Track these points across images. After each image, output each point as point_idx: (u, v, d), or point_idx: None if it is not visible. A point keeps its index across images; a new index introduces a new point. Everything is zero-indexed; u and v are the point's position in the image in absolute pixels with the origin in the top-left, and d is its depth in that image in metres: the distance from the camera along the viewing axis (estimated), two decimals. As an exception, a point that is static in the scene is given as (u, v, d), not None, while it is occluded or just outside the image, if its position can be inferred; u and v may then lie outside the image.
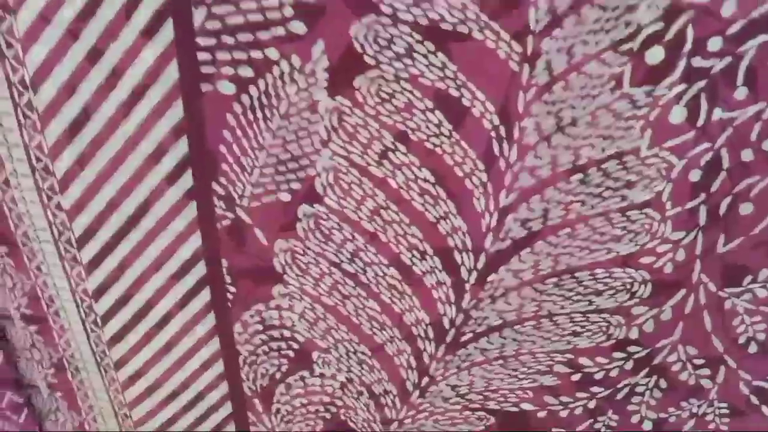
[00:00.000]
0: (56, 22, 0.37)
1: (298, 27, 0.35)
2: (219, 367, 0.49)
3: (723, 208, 0.39)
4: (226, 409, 0.51)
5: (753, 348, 0.44)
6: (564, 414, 0.48)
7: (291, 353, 0.48)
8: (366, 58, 0.36)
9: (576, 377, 0.46)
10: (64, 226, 0.44)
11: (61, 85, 0.39)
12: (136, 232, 0.44)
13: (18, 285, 0.49)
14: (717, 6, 0.33)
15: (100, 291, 0.47)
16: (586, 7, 0.34)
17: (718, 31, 0.34)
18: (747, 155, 0.37)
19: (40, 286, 0.48)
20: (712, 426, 0.47)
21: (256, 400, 0.51)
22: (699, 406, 0.47)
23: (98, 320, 0.48)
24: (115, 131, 0.40)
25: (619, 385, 0.46)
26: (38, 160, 0.42)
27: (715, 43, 0.34)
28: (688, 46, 0.34)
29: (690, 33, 0.34)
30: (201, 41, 0.36)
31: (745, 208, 0.39)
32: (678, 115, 0.36)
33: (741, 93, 0.35)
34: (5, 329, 0.51)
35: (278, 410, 0.51)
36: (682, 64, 0.35)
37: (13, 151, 0.42)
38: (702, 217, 0.39)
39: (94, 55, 0.37)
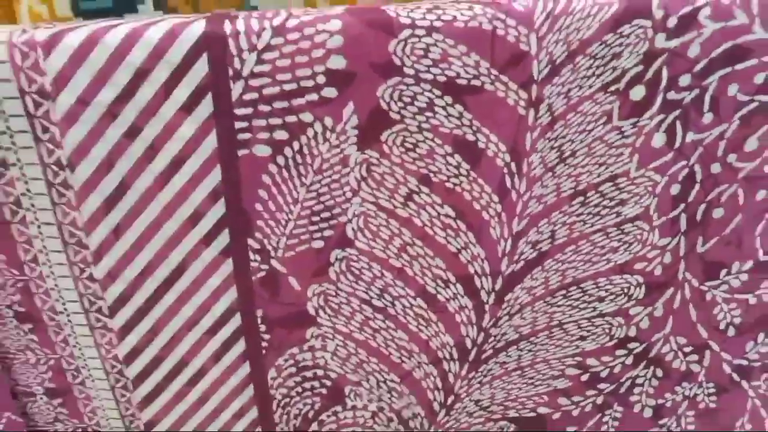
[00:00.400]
0: (95, 105, 0.39)
1: (330, 92, 0.39)
2: (252, 414, 0.51)
3: (699, 214, 0.45)
4: (259, 454, 0.53)
5: (731, 332, 0.50)
6: (576, 413, 0.53)
7: (324, 390, 0.50)
8: (392, 114, 0.40)
9: (585, 377, 0.51)
10: (95, 296, 0.45)
11: (98, 163, 0.40)
12: (171, 293, 0.45)
13: (42, 360, 0.49)
14: (685, 49, 0.39)
15: (132, 355, 0.48)
16: (579, 57, 0.39)
17: (687, 70, 0.40)
18: (715, 168, 0.44)
19: (66, 358, 0.49)
20: (702, 405, 0.54)
21: (289, 442, 0.53)
22: (690, 389, 0.53)
23: (129, 384, 0.49)
24: (152, 201, 0.42)
25: (622, 380, 0.52)
26: (72, 235, 0.43)
27: (684, 79, 0.40)
28: (663, 83, 0.40)
29: (665, 72, 0.40)
30: (238, 111, 0.39)
31: (717, 213, 0.45)
32: (659, 140, 0.42)
33: (707, 118, 0.42)
34: (26, 406, 0.51)
35: (311, 448, 0.53)
36: (659, 98, 0.41)
37: (43, 229, 0.43)
38: (683, 224, 0.45)
39: (133, 132, 0.39)
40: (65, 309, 0.46)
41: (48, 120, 0.39)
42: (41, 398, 0.51)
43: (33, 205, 0.42)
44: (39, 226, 0.43)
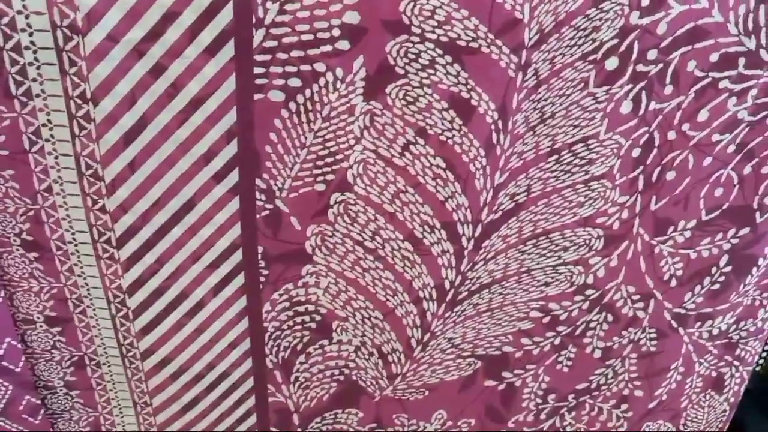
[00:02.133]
0: (124, 42, 0.41)
1: (343, 44, 0.43)
2: (245, 346, 0.55)
3: (654, 176, 0.52)
4: (248, 384, 0.57)
5: (673, 282, 0.57)
6: (536, 352, 0.59)
7: (313, 325, 0.55)
8: (397, 69, 0.44)
9: (546, 320, 0.58)
10: (105, 228, 0.48)
11: (121, 98, 0.43)
12: (179, 227, 0.48)
13: (45, 288, 0.51)
14: (654, 26, 0.45)
15: (135, 286, 0.51)
16: (565, 28, 0.44)
17: (655, 45, 0.46)
18: (671, 135, 0.50)
19: (69, 287, 0.51)
20: (644, 348, 0.61)
21: (277, 372, 0.57)
22: (635, 333, 0.60)
23: (130, 314, 0.52)
24: (169, 138, 0.45)
25: (578, 323, 0.58)
26: (88, 167, 0.45)
27: (652, 54, 0.46)
28: (634, 55, 0.46)
29: (636, 46, 0.46)
30: (258, 57, 0.43)
31: (670, 175, 0.52)
32: (626, 107, 0.48)
33: (668, 89, 0.48)
34: (24, 334, 0.53)
35: (297, 378, 0.58)
36: (630, 69, 0.46)
37: (60, 160, 0.45)
38: (640, 184, 0.52)
39: (157, 71, 0.42)
40: (74, 239, 0.49)
41: (76, 54, 0.41)
42: (41, 326, 0.53)
43: (52, 136, 0.44)
44: (56, 157, 0.45)
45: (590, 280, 0.56)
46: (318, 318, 0.55)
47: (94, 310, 0.52)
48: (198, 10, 0.41)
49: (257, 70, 0.43)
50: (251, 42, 0.42)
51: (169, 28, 0.41)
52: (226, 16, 0.41)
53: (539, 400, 0.63)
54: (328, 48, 0.43)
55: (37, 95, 0.43)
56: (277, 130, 0.45)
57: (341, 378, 0.58)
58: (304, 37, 0.42)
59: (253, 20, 0.41)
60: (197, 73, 0.43)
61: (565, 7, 0.44)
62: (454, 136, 0.47)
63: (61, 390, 0.57)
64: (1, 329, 0.51)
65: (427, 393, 0.60)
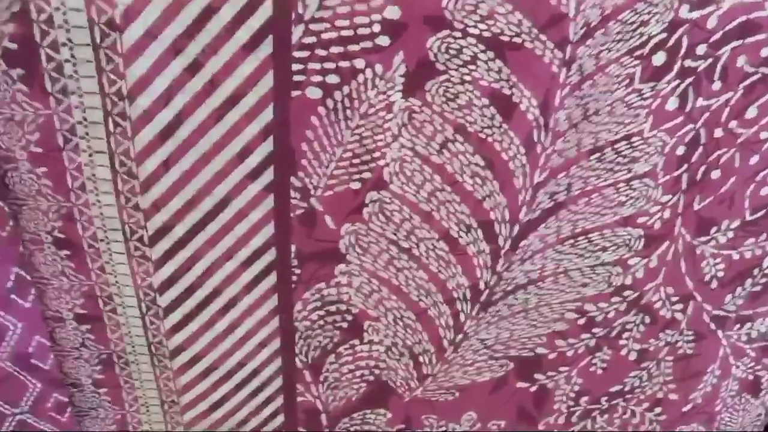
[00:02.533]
0: (161, 39, 0.40)
1: (383, 40, 0.42)
2: (275, 344, 0.54)
3: (699, 175, 0.50)
4: (277, 383, 0.56)
5: (714, 284, 0.56)
6: (570, 354, 0.58)
7: (345, 324, 0.54)
8: (437, 65, 0.43)
9: (582, 321, 0.56)
10: (138, 226, 0.47)
11: (158, 95, 0.42)
12: (212, 225, 0.48)
13: (75, 286, 0.51)
14: (704, 21, 0.44)
15: (167, 284, 0.50)
16: (611, 22, 0.43)
17: (704, 40, 0.44)
18: (718, 132, 0.49)
19: (100, 285, 0.51)
20: (680, 351, 0.60)
21: (306, 372, 0.56)
22: (672, 336, 0.58)
23: (160, 312, 0.52)
24: (205, 135, 0.44)
25: (614, 324, 0.57)
26: (122, 164, 0.45)
27: (701, 49, 0.45)
28: (683, 50, 0.44)
29: (685, 41, 0.44)
30: (296, 54, 0.42)
31: (715, 174, 0.50)
32: (672, 103, 0.47)
33: (716, 86, 0.46)
34: (53, 332, 0.53)
35: (326, 378, 0.57)
36: (677, 65, 0.45)
37: (95, 157, 0.45)
38: (684, 183, 0.50)
39: (194, 67, 0.41)
40: (106, 237, 0.48)
41: (114, 51, 0.41)
42: (70, 323, 0.53)
43: (87, 134, 0.44)
44: (91, 155, 0.44)
45: (628, 281, 0.55)
46: (349, 318, 0.54)
47: (123, 308, 0.52)
48: (237, 6, 0.40)
49: (295, 66, 0.42)
50: (290, 38, 0.41)
51: (207, 25, 0.40)
52: (265, 12, 0.40)
53: (571, 403, 0.62)
54: (368, 44, 0.42)
55: (73, 92, 0.42)
56: (314, 127, 0.44)
57: (371, 378, 0.58)
58: (344, 33, 0.41)
59: (293, 16, 0.40)
60: (235, 70, 0.42)
61: (612, 1, 0.42)
62: (494, 133, 0.46)
63: (88, 388, 0.56)
64: (31, 327, 0.51)
65: (457, 394, 0.60)
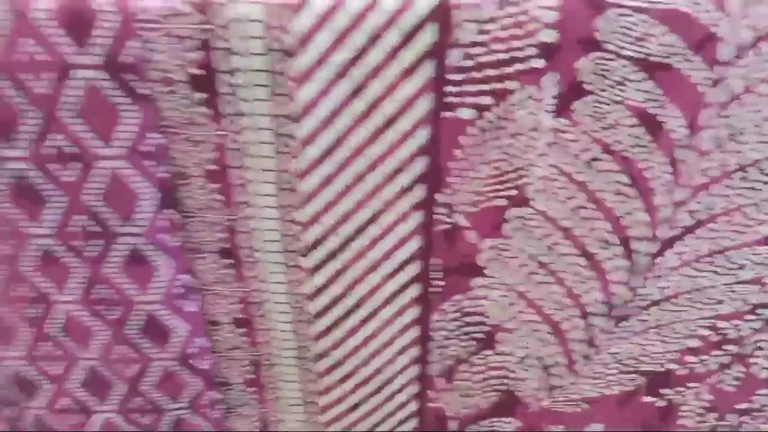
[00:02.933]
0: (329, 64, 0.44)
1: (538, 62, 0.44)
2: (413, 353, 0.57)
3: None
4: (412, 389, 0.59)
5: None
6: (701, 370, 0.58)
7: (480, 335, 0.56)
8: (587, 86, 0.45)
9: (715, 338, 0.56)
10: (294, 238, 0.51)
11: (323, 118, 0.46)
12: (361, 239, 0.51)
13: (233, 293, 0.55)
14: None
15: (316, 293, 0.54)
16: (764, 43, 0.43)
17: None
18: None
19: (254, 292, 0.55)
20: (815, 369, 0.58)
21: (440, 379, 0.58)
22: (809, 355, 0.57)
23: (309, 319, 0.55)
24: (362, 155, 0.47)
25: (748, 343, 0.56)
26: (286, 182, 0.48)
27: None
28: (837, 70, 0.44)
29: (840, 60, 0.44)
30: (452, 77, 0.44)
31: None
32: (821, 122, 0.46)
33: None
34: (211, 335, 0.57)
35: (458, 386, 0.59)
36: (830, 84, 0.45)
37: (260, 175, 0.48)
38: (828, 200, 0.50)
39: (358, 91, 0.45)
40: (263, 247, 0.52)
41: (286, 76, 0.44)
42: (225, 327, 0.57)
43: (256, 153, 0.48)
44: (257, 172, 0.48)
45: (765, 299, 0.54)
46: (485, 329, 0.56)
47: (275, 314, 0.56)
48: (401, 32, 0.43)
49: (450, 89, 0.45)
50: (448, 62, 0.44)
51: (371, 50, 0.43)
52: (427, 37, 0.43)
53: (698, 419, 0.62)
54: (522, 66, 0.44)
55: (247, 115, 0.46)
56: (463, 146, 0.47)
57: (502, 388, 0.59)
58: (500, 56, 0.43)
59: (452, 40, 0.43)
60: (394, 92, 0.45)
61: (765, 22, 0.43)
62: (640, 152, 0.47)
63: (238, 387, 0.60)
64: (195, 330, 0.55)
65: (585, 406, 0.60)
